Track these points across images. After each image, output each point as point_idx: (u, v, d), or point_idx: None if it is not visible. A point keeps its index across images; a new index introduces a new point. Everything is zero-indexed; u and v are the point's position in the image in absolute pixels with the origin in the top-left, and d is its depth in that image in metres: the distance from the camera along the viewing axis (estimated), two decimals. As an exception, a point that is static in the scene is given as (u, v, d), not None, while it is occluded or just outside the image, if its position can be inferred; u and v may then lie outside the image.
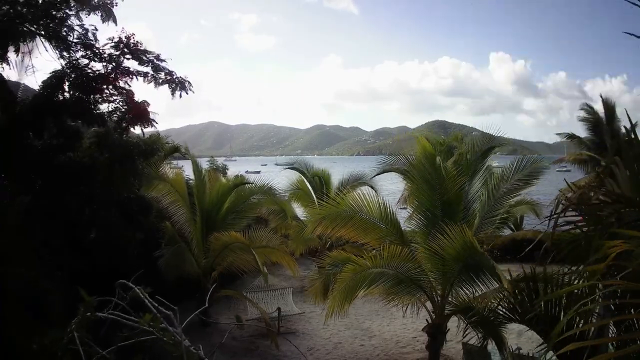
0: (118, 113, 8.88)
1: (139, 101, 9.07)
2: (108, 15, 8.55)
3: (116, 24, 8.65)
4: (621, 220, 2.49)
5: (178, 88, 9.10)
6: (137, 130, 9.62)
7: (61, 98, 8.33)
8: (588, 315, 3.53)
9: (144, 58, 8.82)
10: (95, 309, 1.61)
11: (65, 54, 8.46)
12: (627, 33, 2.57)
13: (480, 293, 6.82)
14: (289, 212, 13.51)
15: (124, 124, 8.91)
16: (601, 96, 16.97)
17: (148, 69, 8.91)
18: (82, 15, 8.44)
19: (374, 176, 11.87)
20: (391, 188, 20.72)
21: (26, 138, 7.98)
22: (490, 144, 8.42)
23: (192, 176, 11.64)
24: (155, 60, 8.91)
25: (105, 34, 8.73)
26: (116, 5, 8.64)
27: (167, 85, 9.02)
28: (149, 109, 9.38)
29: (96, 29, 8.58)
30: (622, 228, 2.47)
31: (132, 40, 8.66)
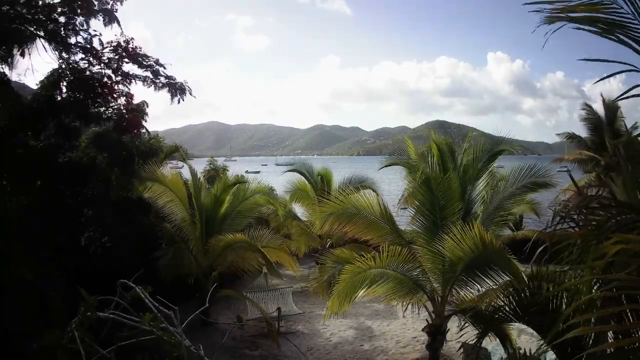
0: (116, 115, 8.88)
1: (137, 103, 9.10)
2: (111, 19, 8.55)
3: (120, 27, 8.65)
4: (620, 224, 2.49)
5: (177, 93, 9.12)
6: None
7: (59, 98, 8.34)
8: (588, 310, 3.53)
9: (143, 62, 8.83)
10: (95, 308, 1.61)
11: (64, 55, 8.47)
12: (583, 59, 2.65)
13: (481, 292, 6.83)
14: (279, 210, 13.53)
15: (123, 124, 8.92)
16: (602, 97, 16.96)
17: (147, 73, 8.93)
18: (80, 19, 8.43)
19: (381, 168, 12.29)
20: (390, 189, 20.75)
21: (25, 138, 7.98)
22: (497, 148, 8.36)
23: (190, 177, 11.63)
24: (154, 64, 8.93)
25: (107, 37, 8.71)
26: (116, 11, 8.64)
27: (166, 89, 9.04)
28: (147, 111, 9.42)
29: (100, 35, 8.60)
30: (619, 232, 2.47)
31: (131, 45, 8.67)
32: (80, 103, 8.42)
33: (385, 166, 11.81)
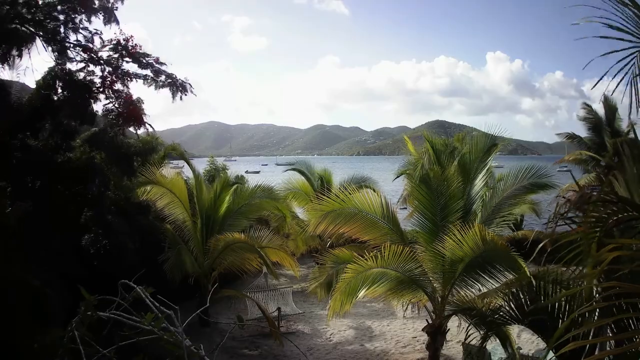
0: (113, 114, 8.85)
1: (134, 99, 9.04)
2: (110, 18, 8.52)
3: (118, 25, 8.60)
4: (619, 221, 2.48)
5: (179, 91, 9.08)
6: (133, 130, 9.59)
7: (56, 98, 8.31)
8: (588, 316, 3.52)
9: (143, 61, 8.80)
10: (96, 308, 1.61)
11: (62, 55, 8.44)
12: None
13: (481, 292, 6.82)
14: (287, 214, 13.53)
15: (120, 121, 8.88)
16: (604, 95, 16.91)
17: (147, 72, 8.90)
18: (79, 17, 8.39)
19: (395, 179, 12.69)
20: (389, 189, 20.73)
21: (24, 138, 7.96)
22: (492, 142, 8.42)
23: (191, 176, 11.61)
24: (154, 63, 8.90)
25: (107, 36, 8.64)
26: (117, 9, 8.60)
27: (167, 88, 9.01)
28: (144, 108, 9.37)
29: (101, 33, 8.57)
30: (620, 229, 2.46)
31: (130, 43, 8.63)
32: (77, 103, 8.39)
33: (398, 177, 12.22)
